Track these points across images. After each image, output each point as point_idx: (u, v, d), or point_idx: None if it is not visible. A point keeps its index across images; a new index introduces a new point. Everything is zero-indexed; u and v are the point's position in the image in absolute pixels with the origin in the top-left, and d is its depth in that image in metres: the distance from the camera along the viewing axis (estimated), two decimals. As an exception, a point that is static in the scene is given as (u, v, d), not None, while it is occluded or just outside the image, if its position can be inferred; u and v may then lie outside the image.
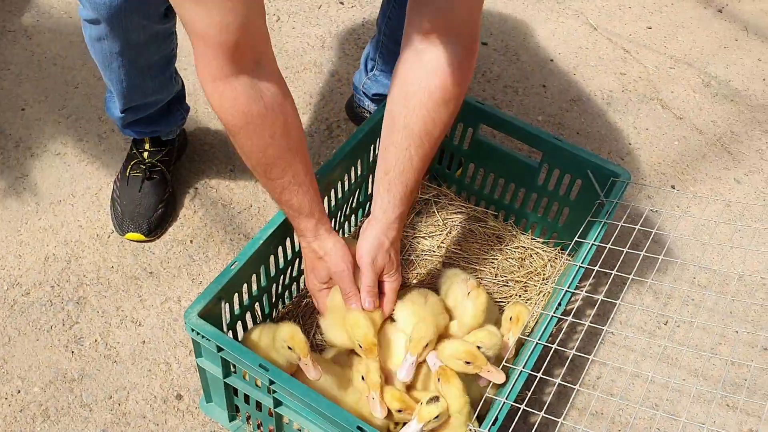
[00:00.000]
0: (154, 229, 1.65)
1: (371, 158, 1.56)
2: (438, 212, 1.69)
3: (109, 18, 1.31)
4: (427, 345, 1.24)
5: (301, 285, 1.54)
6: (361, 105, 1.88)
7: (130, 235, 1.63)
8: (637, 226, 1.43)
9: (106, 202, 1.71)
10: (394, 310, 1.34)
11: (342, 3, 2.28)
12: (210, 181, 1.78)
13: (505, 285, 1.59)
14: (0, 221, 1.65)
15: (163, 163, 1.70)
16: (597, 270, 1.38)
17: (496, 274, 1.60)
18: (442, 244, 1.63)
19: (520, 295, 1.57)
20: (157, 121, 1.65)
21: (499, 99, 2.07)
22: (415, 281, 1.58)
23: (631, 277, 1.33)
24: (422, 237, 1.65)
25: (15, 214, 1.67)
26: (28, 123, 1.85)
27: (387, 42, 1.70)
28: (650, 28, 2.36)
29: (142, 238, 1.63)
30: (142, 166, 1.68)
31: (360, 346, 1.25)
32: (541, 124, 2.01)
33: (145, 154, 1.69)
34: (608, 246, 1.39)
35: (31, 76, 1.95)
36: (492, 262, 1.62)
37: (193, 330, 1.17)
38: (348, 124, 1.94)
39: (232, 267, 1.25)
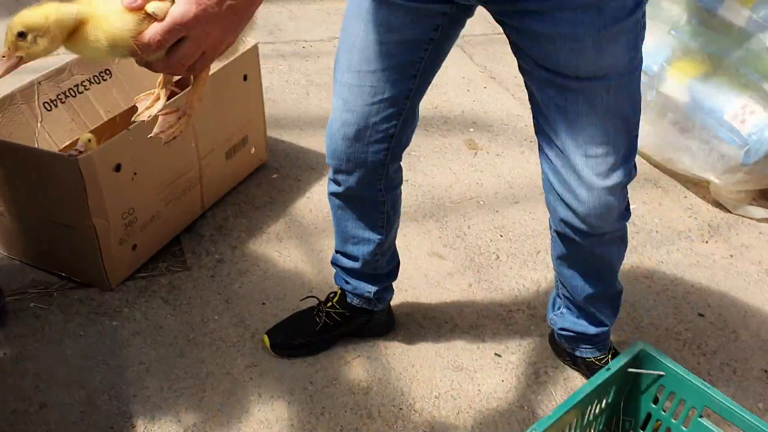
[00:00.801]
0: (279, 345, 1.93)
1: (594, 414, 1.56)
2: (645, 490, 1.61)
3: (346, 190, 1.69)
4: None
5: None
6: (555, 339, 1.99)
7: (265, 337, 1.94)
8: None
9: (318, 404, 1.81)
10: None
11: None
12: (414, 404, 1.85)
13: None
14: (226, 406, 1.81)
15: (332, 317, 1.94)
16: None
17: None
18: None
19: None
20: (354, 276, 1.88)
21: (715, 376, 2.00)
22: None
23: None
24: None
25: (239, 401, 1.82)
26: (266, 317, 2.06)
27: (562, 288, 1.82)
28: None
29: (267, 344, 1.93)
30: (321, 313, 1.96)
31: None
32: (761, 413, 1.89)
33: (325, 309, 1.97)
34: None
35: (275, 274, 2.21)
36: None
37: None
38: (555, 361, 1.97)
39: None
